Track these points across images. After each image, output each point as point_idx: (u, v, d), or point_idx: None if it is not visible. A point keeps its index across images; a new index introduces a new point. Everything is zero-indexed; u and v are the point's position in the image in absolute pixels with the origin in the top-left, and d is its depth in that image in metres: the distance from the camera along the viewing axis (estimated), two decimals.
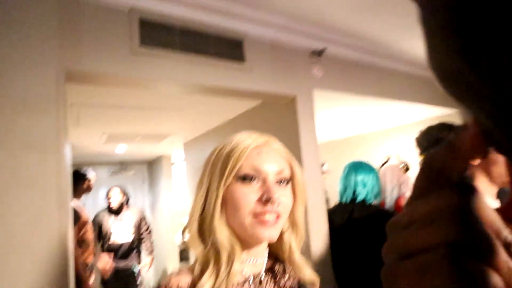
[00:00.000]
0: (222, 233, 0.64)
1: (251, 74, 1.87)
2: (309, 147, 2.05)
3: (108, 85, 1.55)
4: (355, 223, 1.83)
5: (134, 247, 3.52)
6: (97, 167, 4.67)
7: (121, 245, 3.45)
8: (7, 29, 1.22)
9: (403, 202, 2.31)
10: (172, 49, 1.58)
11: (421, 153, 1.93)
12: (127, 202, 3.60)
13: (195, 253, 0.67)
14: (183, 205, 4.84)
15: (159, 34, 1.54)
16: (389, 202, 2.41)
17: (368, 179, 1.86)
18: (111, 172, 4.81)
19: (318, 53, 2.15)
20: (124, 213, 3.55)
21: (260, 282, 0.69)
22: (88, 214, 3.06)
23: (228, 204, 0.65)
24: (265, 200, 0.63)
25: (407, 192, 2.34)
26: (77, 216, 2.70)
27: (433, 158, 0.21)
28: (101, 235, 3.46)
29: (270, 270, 0.73)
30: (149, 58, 1.53)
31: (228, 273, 0.61)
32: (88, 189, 3.05)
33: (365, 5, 1.82)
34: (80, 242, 2.79)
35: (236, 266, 0.62)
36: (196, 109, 2.55)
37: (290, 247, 0.72)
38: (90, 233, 2.97)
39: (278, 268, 0.74)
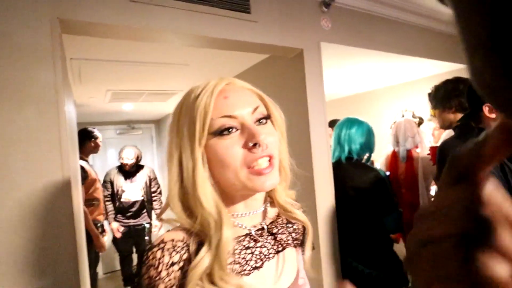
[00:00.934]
0: (208, 201, 0.57)
1: (257, 25, 1.78)
2: (316, 102, 1.99)
3: (106, 36, 1.49)
4: (337, 181, 1.92)
5: (144, 206, 3.61)
6: (105, 127, 4.70)
7: (133, 204, 3.54)
8: None
9: (414, 153, 2.32)
10: None
11: (434, 107, 1.87)
12: (138, 163, 3.65)
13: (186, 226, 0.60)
14: None
15: None
16: (401, 152, 2.40)
17: (340, 134, 1.88)
18: (119, 132, 4.83)
19: (327, 3, 2.02)
20: (135, 173, 3.60)
21: (262, 234, 0.64)
22: (97, 174, 3.12)
23: (213, 164, 0.58)
24: (252, 145, 0.56)
25: (421, 143, 2.33)
26: (85, 175, 2.74)
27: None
28: (112, 193, 3.54)
29: (273, 221, 0.68)
30: (148, 6, 1.44)
31: (218, 244, 0.55)
32: (96, 148, 3.07)
33: None
34: (89, 201, 2.87)
35: (226, 234, 0.55)
36: (201, 65, 2.48)
37: (275, 188, 0.67)
38: (99, 192, 3.03)
39: (281, 218, 0.70)
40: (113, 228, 3.42)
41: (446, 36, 2.87)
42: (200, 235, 0.58)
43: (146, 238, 3.58)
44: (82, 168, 2.69)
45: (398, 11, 2.41)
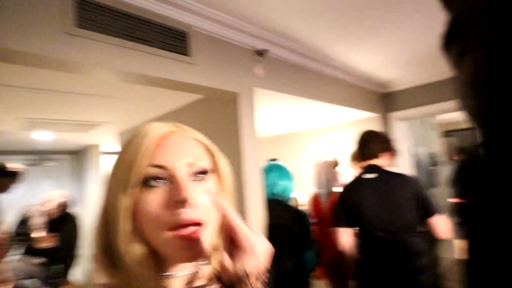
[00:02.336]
0: (131, 257, 0.49)
1: (195, 68, 1.84)
2: (249, 143, 2.09)
3: (33, 66, 1.40)
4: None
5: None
6: (12, 157, 4.17)
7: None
8: None
9: (335, 193, 2.48)
10: (113, 34, 1.49)
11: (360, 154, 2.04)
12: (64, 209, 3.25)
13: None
14: None
15: (99, 16, 1.44)
16: (322, 196, 2.57)
17: (265, 178, 2.12)
18: (29, 163, 4.32)
19: (261, 53, 2.20)
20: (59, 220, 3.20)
21: None
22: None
23: (141, 219, 0.49)
24: (175, 203, 0.48)
25: (336, 187, 2.52)
26: None
27: None
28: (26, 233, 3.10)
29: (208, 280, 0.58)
30: (85, 41, 1.41)
31: None
32: (4, 188, 2.75)
33: (307, 12, 1.91)
34: None
35: None
36: (133, 99, 2.43)
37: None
38: None
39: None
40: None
41: (359, 88, 3.30)
42: None
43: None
44: None
45: (321, 65, 2.72)
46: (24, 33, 1.27)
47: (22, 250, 3.14)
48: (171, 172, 0.50)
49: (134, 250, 0.49)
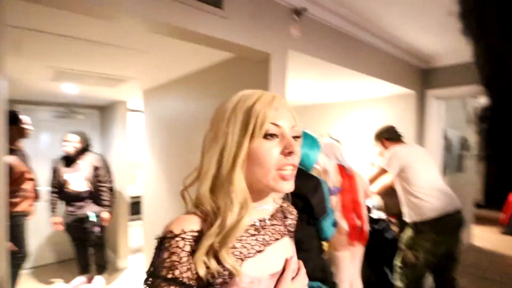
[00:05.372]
0: (239, 186, 0.68)
1: (227, 22, 1.71)
2: None
3: (69, 10, 1.32)
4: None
5: (89, 196, 3.35)
6: (40, 108, 4.24)
7: (78, 193, 3.29)
8: None
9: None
10: None
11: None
12: (85, 150, 3.37)
13: (204, 206, 0.70)
14: (137, 155, 4.62)
15: None
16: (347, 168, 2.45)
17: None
18: (57, 115, 4.40)
19: (298, 12, 2.02)
20: (80, 162, 3.32)
21: (264, 225, 0.77)
22: (28, 163, 2.89)
23: (251, 159, 0.69)
24: (288, 153, 0.69)
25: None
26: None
27: None
28: (57, 183, 3.28)
29: (273, 215, 0.82)
30: None
31: (237, 225, 0.66)
32: (22, 135, 2.80)
33: None
34: (15, 191, 2.64)
35: (246, 220, 0.68)
36: (161, 54, 2.33)
37: None
38: (28, 183, 2.80)
39: (279, 213, 0.85)
40: (52, 222, 3.15)
41: (399, 61, 3.06)
42: (211, 221, 0.68)
43: (96, 229, 3.33)
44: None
45: (361, 31, 2.51)
46: None
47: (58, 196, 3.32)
48: (283, 130, 0.70)
49: (242, 183, 0.69)
